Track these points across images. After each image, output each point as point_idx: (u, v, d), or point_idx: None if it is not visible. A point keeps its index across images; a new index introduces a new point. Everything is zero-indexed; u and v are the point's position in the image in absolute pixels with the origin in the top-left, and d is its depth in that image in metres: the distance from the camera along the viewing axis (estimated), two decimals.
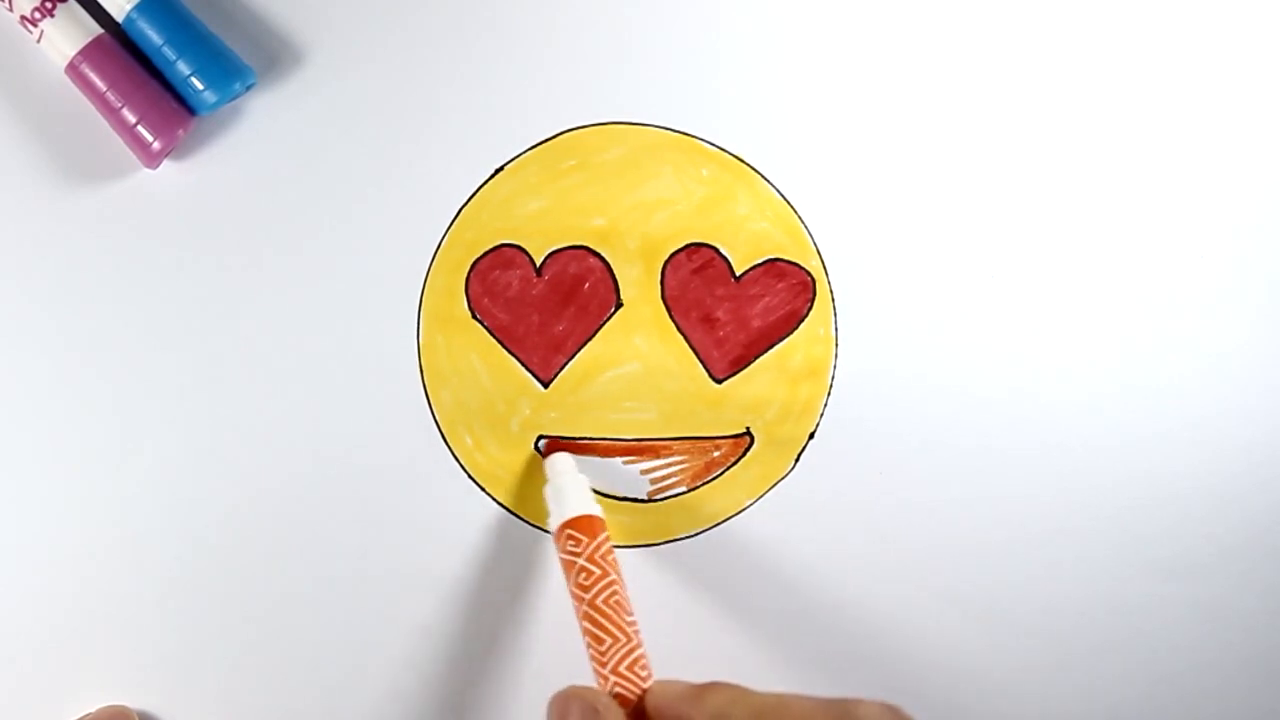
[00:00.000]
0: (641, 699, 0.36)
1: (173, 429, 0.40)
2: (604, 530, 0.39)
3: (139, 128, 0.38)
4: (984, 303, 0.42)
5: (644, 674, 0.37)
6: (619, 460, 0.42)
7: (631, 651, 0.37)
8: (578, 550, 0.38)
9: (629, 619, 0.38)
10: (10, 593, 0.40)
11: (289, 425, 0.41)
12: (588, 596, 0.38)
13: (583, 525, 0.39)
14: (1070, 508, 0.43)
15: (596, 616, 0.37)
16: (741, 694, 0.34)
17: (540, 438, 0.42)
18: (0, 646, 0.40)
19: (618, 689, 0.36)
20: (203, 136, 0.40)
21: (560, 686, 0.40)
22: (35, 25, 0.38)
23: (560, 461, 0.41)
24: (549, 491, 0.40)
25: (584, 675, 0.42)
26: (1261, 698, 0.43)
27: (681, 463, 0.42)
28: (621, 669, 0.37)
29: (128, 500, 0.40)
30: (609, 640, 0.37)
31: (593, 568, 0.38)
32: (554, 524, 0.39)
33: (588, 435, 0.42)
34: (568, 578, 0.39)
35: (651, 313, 0.42)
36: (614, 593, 0.38)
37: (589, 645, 0.37)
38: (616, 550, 0.42)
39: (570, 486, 0.40)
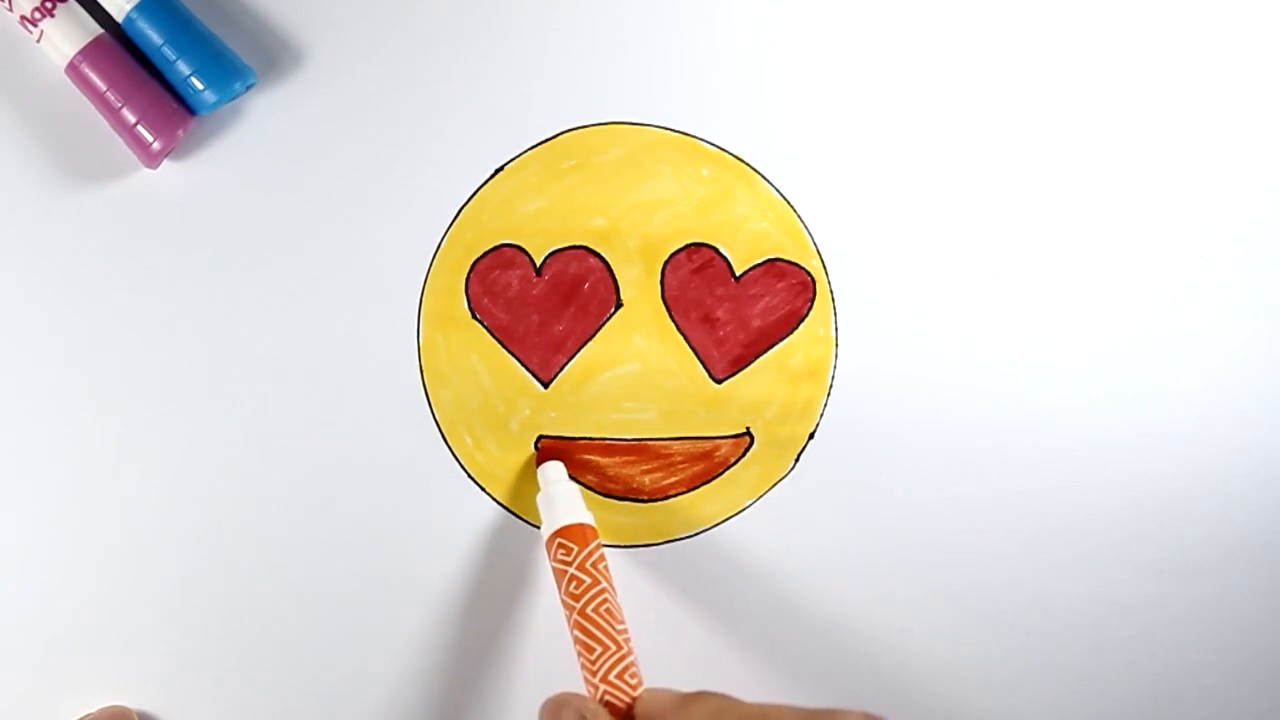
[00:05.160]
0: (631, 707, 0.36)
1: (172, 429, 0.41)
2: (596, 538, 0.39)
3: (139, 128, 0.38)
4: (984, 303, 0.42)
5: (634, 682, 0.37)
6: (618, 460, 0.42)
7: (622, 660, 0.37)
8: (568, 559, 0.38)
9: (619, 627, 0.38)
10: (11, 593, 0.40)
11: (289, 425, 0.41)
12: (578, 605, 0.38)
13: (573, 534, 0.39)
14: (1070, 508, 0.43)
15: (587, 625, 0.37)
16: (728, 703, 0.34)
17: (540, 438, 0.42)
18: (2, 646, 0.40)
19: (608, 697, 0.36)
20: (203, 136, 0.40)
21: (558, 686, 0.40)
22: (35, 25, 0.38)
23: (551, 470, 0.41)
24: (540, 500, 0.40)
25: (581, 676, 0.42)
26: (1262, 698, 0.43)
27: (681, 463, 0.42)
28: (611, 677, 0.37)
29: (127, 500, 0.40)
30: (599, 649, 0.37)
31: (583, 576, 0.38)
32: (545, 532, 0.39)
33: (588, 435, 0.42)
34: (559, 586, 0.39)
35: (651, 313, 0.42)
36: (604, 601, 0.38)
37: (580, 654, 0.37)
38: (616, 551, 0.42)
39: (561, 495, 0.40)
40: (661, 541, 0.42)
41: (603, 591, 0.38)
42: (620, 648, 0.37)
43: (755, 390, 0.42)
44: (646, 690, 0.37)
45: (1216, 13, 0.42)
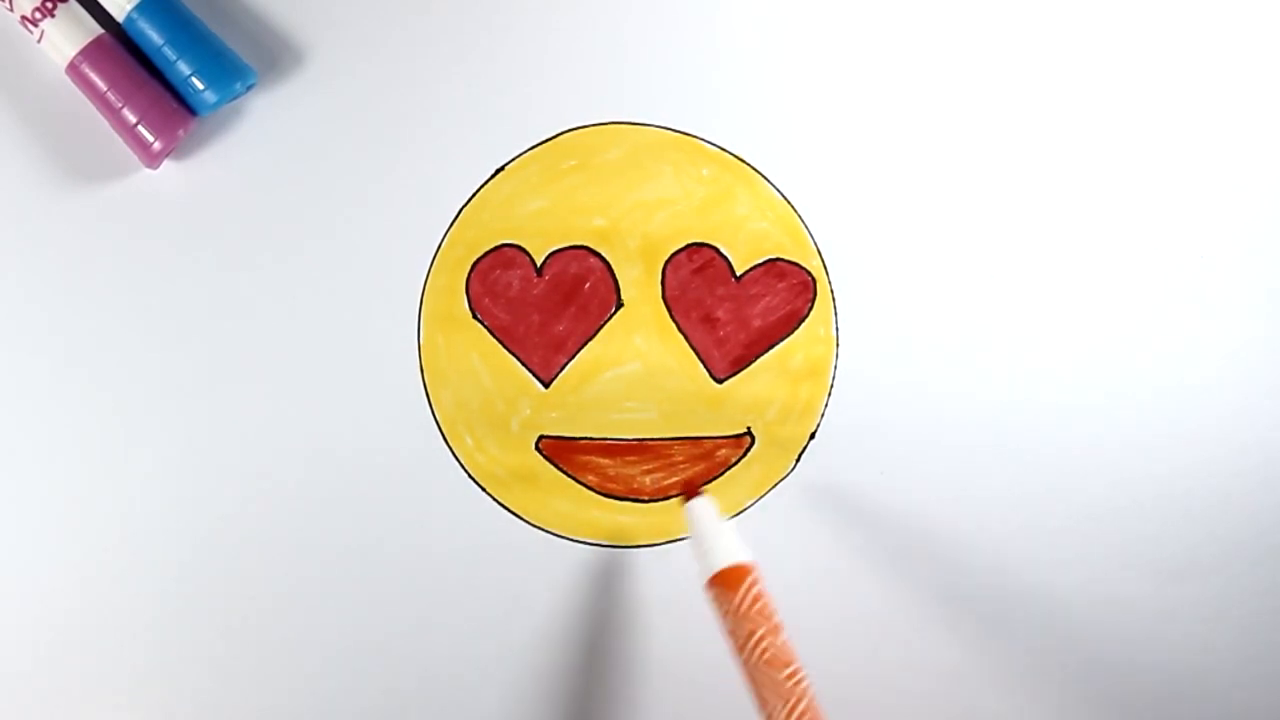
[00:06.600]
0: None
1: (173, 429, 0.40)
2: (749, 576, 0.37)
3: (139, 128, 0.38)
4: (984, 303, 0.42)
5: None
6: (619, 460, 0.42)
7: (795, 708, 0.35)
8: (724, 610, 0.37)
9: (786, 673, 0.35)
10: (11, 593, 0.40)
11: (289, 425, 0.41)
12: (740, 659, 0.36)
13: (727, 579, 0.37)
14: (1071, 508, 0.43)
15: (751, 681, 0.35)
16: None
17: (540, 438, 0.42)
18: (2, 647, 0.40)
19: None
20: (203, 136, 0.40)
21: (558, 685, 0.40)
22: (36, 25, 0.38)
23: (696, 508, 0.39)
24: (690, 544, 0.39)
25: (584, 675, 0.42)
26: (1262, 698, 0.43)
27: (682, 463, 0.42)
28: None
29: (127, 501, 0.40)
30: (770, 704, 0.35)
31: (739, 626, 0.36)
32: (700, 579, 0.38)
33: (588, 435, 0.42)
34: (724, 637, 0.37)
35: (652, 313, 0.42)
36: (764, 650, 0.35)
37: (757, 708, 0.36)
38: (615, 550, 0.42)
39: (707, 536, 0.38)
40: (662, 542, 0.42)
41: (760, 640, 0.36)
42: (790, 697, 0.35)
43: (756, 390, 0.42)
44: None
45: (1216, 13, 0.42)
